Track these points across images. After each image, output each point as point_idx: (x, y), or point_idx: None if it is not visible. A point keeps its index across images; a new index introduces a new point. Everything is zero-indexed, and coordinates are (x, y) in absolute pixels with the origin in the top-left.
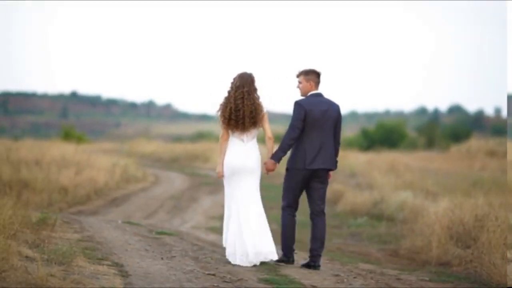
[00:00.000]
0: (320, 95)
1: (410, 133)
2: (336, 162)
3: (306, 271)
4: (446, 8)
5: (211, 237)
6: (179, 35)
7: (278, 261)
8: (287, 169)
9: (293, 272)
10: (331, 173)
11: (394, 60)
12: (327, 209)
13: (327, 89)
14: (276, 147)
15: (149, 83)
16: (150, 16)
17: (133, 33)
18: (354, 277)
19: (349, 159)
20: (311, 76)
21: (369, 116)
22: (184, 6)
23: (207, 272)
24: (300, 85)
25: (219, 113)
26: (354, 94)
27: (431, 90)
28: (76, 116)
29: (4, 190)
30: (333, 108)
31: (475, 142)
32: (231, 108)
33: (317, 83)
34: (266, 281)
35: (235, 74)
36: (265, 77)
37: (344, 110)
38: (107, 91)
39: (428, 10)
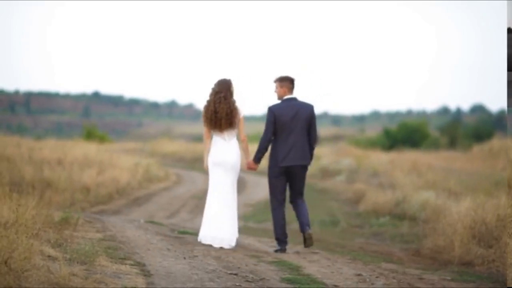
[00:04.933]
0: (293, 99)
1: (432, 133)
2: (312, 156)
3: (328, 270)
4: (471, 6)
5: None
6: (201, 35)
7: (275, 250)
8: (268, 167)
9: (315, 271)
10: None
11: (416, 59)
12: (348, 209)
13: (349, 89)
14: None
15: (171, 83)
16: (173, 16)
17: (155, 33)
18: (377, 277)
19: (371, 158)
20: (285, 82)
21: (391, 116)
22: (206, 6)
23: (229, 272)
24: (276, 90)
25: (202, 114)
26: (376, 94)
27: (454, 90)
28: (99, 116)
29: (27, 190)
30: (304, 110)
31: (498, 142)
32: (211, 110)
33: (291, 88)
34: (288, 280)
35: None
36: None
37: (366, 110)
38: (129, 91)
39: (453, 8)
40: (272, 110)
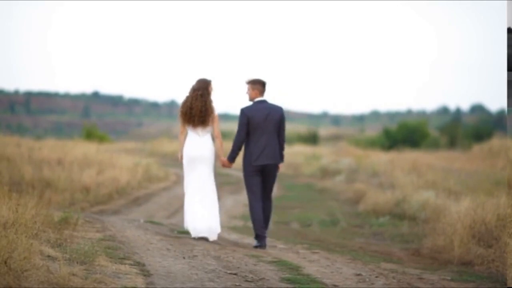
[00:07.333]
0: (263, 101)
1: (432, 133)
2: (282, 156)
3: (328, 270)
4: (471, 6)
5: (233, 236)
6: (201, 35)
7: (255, 246)
8: (243, 166)
9: (314, 271)
10: (280, 165)
11: (416, 59)
12: (348, 209)
13: (349, 89)
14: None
15: (171, 83)
16: (172, 16)
17: (155, 33)
18: (376, 277)
19: (371, 158)
20: (257, 85)
21: (391, 116)
22: (206, 6)
23: (229, 272)
24: (248, 92)
25: (179, 109)
26: (376, 94)
27: (453, 90)
28: (98, 116)
29: (26, 190)
30: (275, 112)
31: (497, 142)
32: (187, 106)
33: (262, 91)
34: (288, 280)
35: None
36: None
37: (366, 110)
38: (129, 91)
39: (453, 8)
40: (244, 112)
